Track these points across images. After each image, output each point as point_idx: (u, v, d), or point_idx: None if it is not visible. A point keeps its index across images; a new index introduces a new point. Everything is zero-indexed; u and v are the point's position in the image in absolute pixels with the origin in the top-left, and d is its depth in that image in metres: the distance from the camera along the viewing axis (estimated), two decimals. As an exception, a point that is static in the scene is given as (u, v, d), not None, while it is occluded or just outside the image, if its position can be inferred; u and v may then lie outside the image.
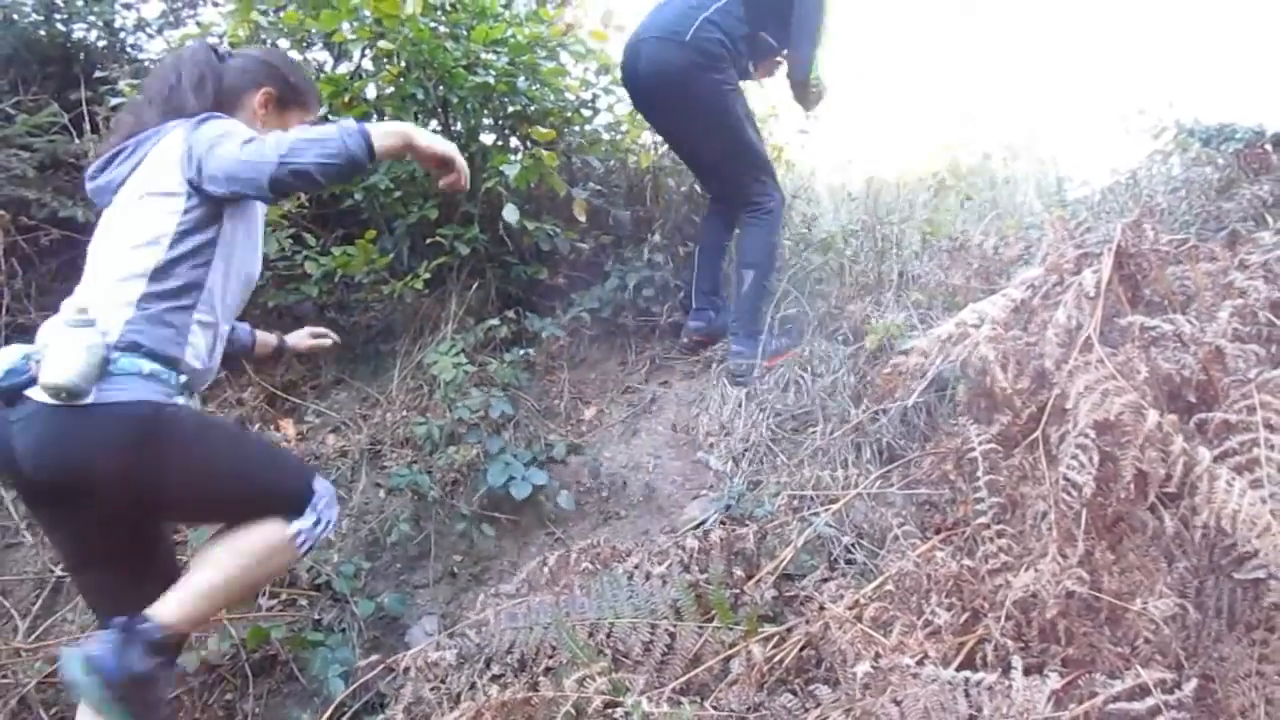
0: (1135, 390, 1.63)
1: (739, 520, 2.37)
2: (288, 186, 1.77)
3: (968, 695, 1.35)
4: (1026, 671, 1.47)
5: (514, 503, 2.90)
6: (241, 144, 1.74)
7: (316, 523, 1.91)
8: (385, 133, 1.83)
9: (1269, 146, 2.74)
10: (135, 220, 1.81)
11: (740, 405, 3.09)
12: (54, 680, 2.43)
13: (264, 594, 2.74)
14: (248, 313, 3.67)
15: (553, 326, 3.52)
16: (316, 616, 2.68)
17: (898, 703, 1.34)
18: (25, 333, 3.32)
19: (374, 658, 2.36)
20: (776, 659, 1.72)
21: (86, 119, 3.50)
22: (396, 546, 2.89)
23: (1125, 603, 1.62)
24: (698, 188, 3.84)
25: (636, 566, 1.97)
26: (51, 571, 2.84)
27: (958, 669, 1.50)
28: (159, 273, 1.77)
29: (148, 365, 1.73)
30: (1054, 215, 2.15)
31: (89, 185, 1.96)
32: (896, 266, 3.21)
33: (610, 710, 1.47)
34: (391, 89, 3.38)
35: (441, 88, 3.34)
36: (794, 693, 1.55)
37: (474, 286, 3.56)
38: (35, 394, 1.66)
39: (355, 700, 2.35)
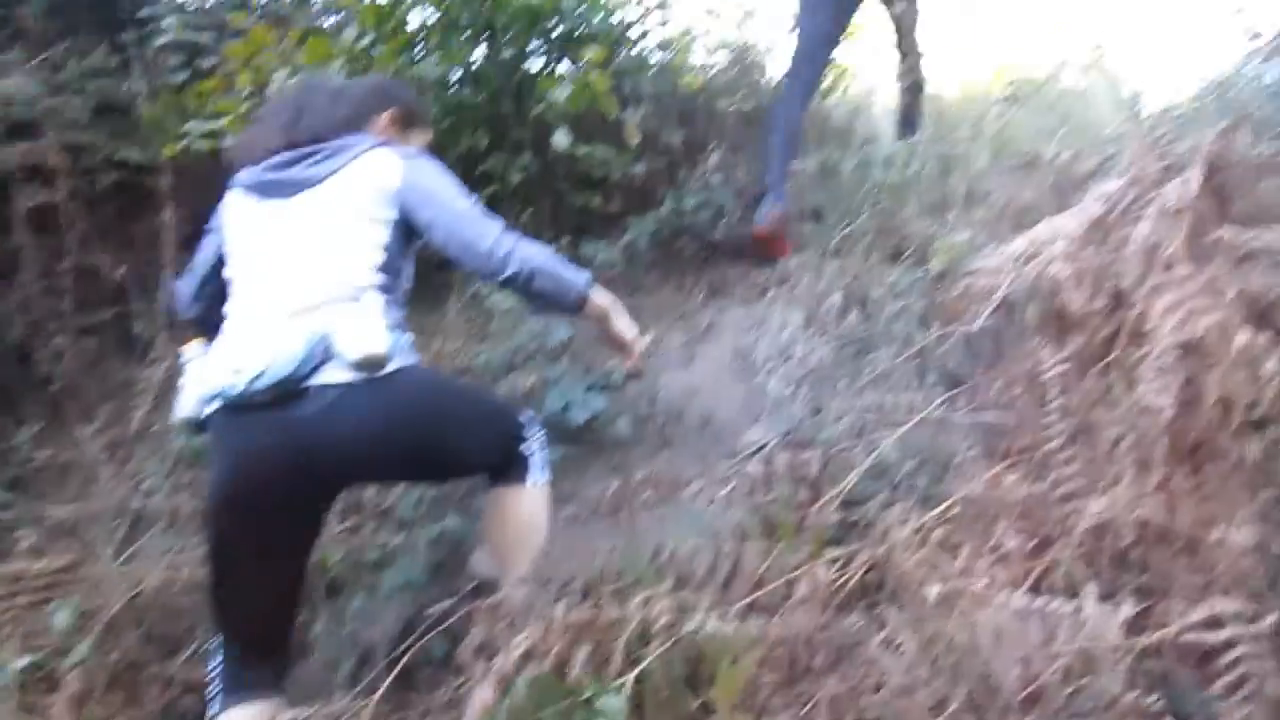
0: (1222, 310, 1.56)
1: (801, 445, 2.35)
2: (511, 283, 1.84)
3: (1042, 620, 1.32)
4: (1099, 599, 1.45)
5: (572, 429, 2.90)
6: (495, 230, 1.82)
7: (538, 450, 2.04)
8: (602, 299, 2.00)
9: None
10: (346, 224, 1.82)
11: (800, 330, 3.05)
12: (139, 601, 2.53)
13: (335, 519, 2.81)
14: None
15: (608, 253, 3.49)
16: (381, 541, 2.74)
17: (969, 625, 1.33)
18: (93, 276, 3.40)
19: (445, 604, 2.38)
20: (841, 582, 1.72)
21: (137, 60, 3.50)
22: (460, 472, 2.93)
23: (1204, 532, 1.57)
24: (744, 106, 3.75)
25: (700, 491, 1.97)
26: (131, 501, 2.95)
27: (1028, 595, 1.47)
28: (382, 269, 1.81)
29: (404, 337, 1.82)
30: (1138, 126, 2.04)
31: (263, 173, 1.92)
32: (964, 185, 3.10)
33: (676, 629, 1.48)
34: (437, 15, 3.32)
35: (487, 10, 3.27)
36: (861, 614, 1.54)
37: (527, 214, 3.53)
38: (328, 377, 1.66)
39: (421, 622, 2.41)
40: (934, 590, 1.40)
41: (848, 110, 3.95)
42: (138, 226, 3.49)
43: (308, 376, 1.65)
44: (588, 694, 1.44)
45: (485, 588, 2.47)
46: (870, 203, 3.28)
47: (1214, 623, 1.40)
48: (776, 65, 4.12)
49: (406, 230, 1.87)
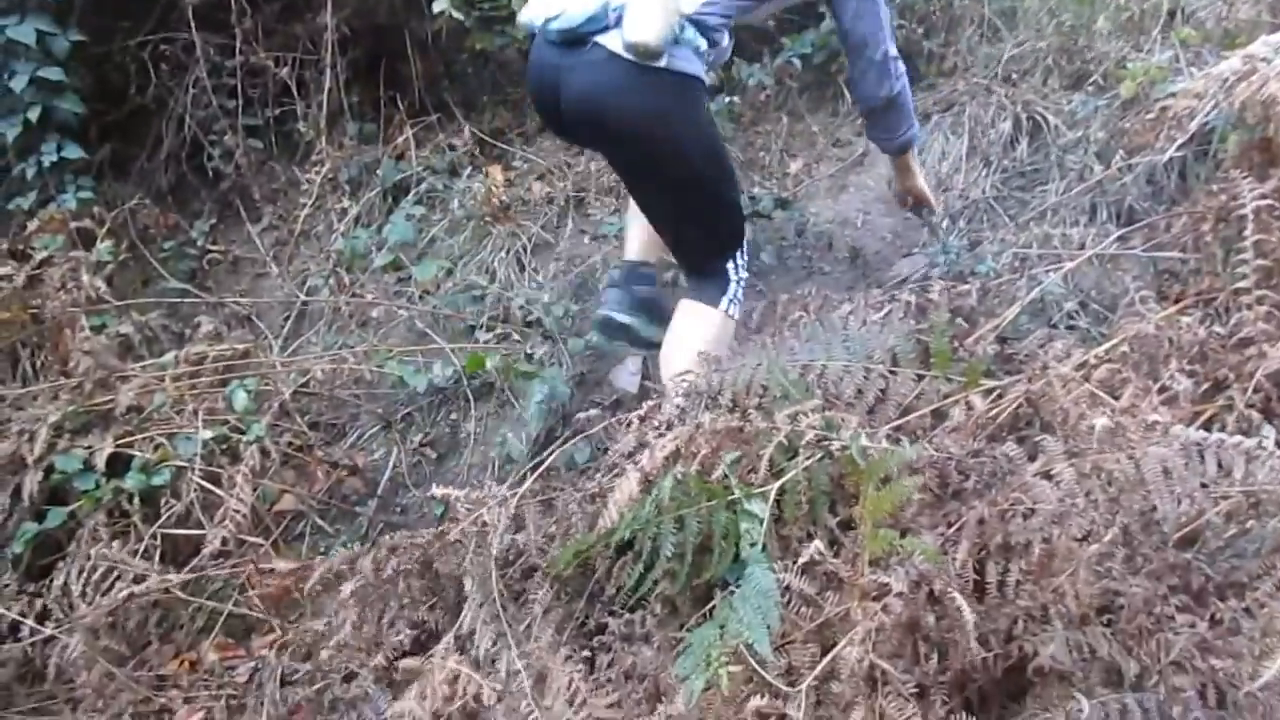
0: None
1: (958, 278, 2.27)
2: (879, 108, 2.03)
3: (1219, 458, 1.27)
4: (1276, 444, 1.38)
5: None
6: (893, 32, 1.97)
7: (739, 283, 2.13)
8: (914, 160, 2.27)
9: None
10: None
11: (962, 160, 2.89)
12: (306, 390, 2.73)
13: (481, 327, 2.93)
14: (454, 59, 3.73)
15: (760, 73, 3.34)
16: (529, 350, 2.84)
17: (1134, 459, 1.28)
18: (257, 74, 3.49)
19: (593, 412, 2.47)
20: (992, 414, 1.68)
21: None
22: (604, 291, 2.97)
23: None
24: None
25: (851, 313, 1.94)
26: (297, 297, 3.13)
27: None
28: None
29: (703, 42, 1.87)
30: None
31: None
32: (1166, 3, 2.79)
33: (823, 444, 1.49)
34: None
35: None
36: (1016, 443, 1.51)
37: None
38: (609, 42, 1.81)
39: (566, 429, 2.52)
40: (1099, 421, 1.36)
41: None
42: (300, 27, 3.54)
43: (596, 33, 1.82)
44: (733, 497, 1.49)
45: (626, 400, 2.56)
46: (1054, 17, 2.99)
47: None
48: None
49: None
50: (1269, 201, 1.69)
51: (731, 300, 2.11)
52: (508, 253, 3.13)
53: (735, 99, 3.32)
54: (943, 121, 3.07)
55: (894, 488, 1.32)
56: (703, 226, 2.10)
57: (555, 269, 3.10)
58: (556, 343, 2.82)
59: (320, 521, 2.49)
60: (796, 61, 3.33)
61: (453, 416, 2.76)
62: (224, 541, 2.13)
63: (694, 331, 2.10)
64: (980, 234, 2.61)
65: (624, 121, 1.89)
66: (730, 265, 2.10)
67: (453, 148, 3.60)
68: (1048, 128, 2.77)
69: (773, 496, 1.49)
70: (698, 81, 1.89)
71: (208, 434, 2.40)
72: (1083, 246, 2.24)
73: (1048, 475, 1.37)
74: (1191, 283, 2.07)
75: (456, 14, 3.00)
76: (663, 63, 1.80)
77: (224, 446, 2.43)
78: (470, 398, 2.75)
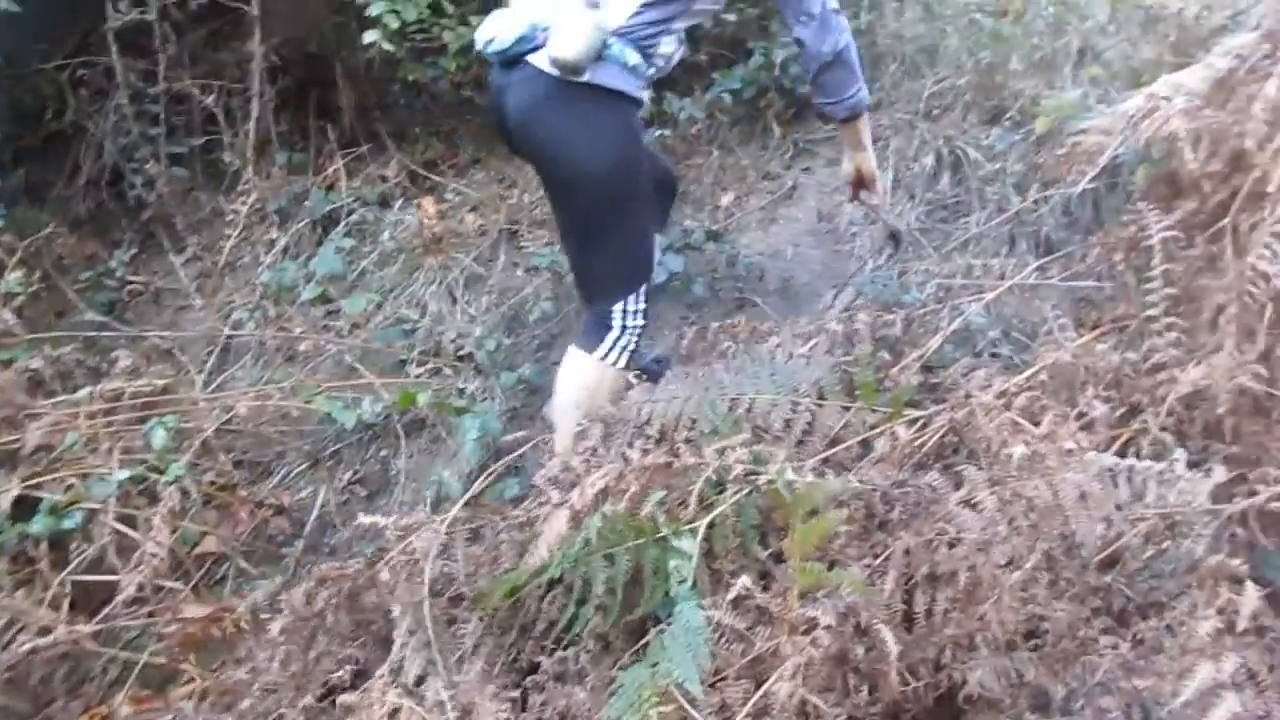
0: (1355, 172, 1.46)
1: (884, 308, 2.31)
2: (826, 64, 1.91)
3: (1130, 482, 1.30)
4: (1187, 466, 1.42)
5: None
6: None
7: (626, 331, 2.08)
8: (866, 130, 2.13)
9: None
10: None
11: (888, 193, 2.95)
12: (230, 427, 2.66)
13: (411, 362, 2.89)
14: (386, 89, 3.71)
15: (691, 107, 3.39)
16: (461, 385, 2.81)
17: (1052, 485, 1.31)
18: (181, 101, 3.42)
19: (519, 434, 2.46)
20: (918, 443, 1.71)
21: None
22: (537, 324, 2.96)
23: (1306, 403, 1.52)
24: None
25: (778, 345, 1.95)
26: (221, 331, 3.06)
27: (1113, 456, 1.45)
28: None
29: (633, 57, 1.88)
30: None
31: None
32: (1077, 41, 2.90)
33: (750, 479, 1.50)
34: None
35: None
36: (940, 472, 1.54)
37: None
38: (537, 60, 1.87)
39: (497, 462, 2.49)
40: (1018, 450, 1.39)
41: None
42: (228, 54, 3.49)
43: (528, 52, 1.88)
44: (661, 534, 1.48)
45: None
46: (973, 55, 3.09)
47: (1308, 494, 1.37)
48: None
49: None
50: (1175, 232, 1.75)
51: (614, 349, 2.07)
52: (439, 285, 3.11)
53: (667, 132, 3.36)
54: (869, 155, 3.14)
55: (820, 521, 1.32)
56: (601, 254, 2.07)
57: (488, 302, 3.08)
58: (489, 377, 2.80)
59: (244, 564, 2.40)
60: (726, 96, 3.39)
61: (383, 453, 2.72)
62: (139, 588, 2.04)
63: (569, 380, 2.12)
64: (906, 264, 2.66)
65: (543, 135, 1.94)
66: (618, 309, 2.06)
67: (384, 179, 3.57)
68: (968, 161, 2.85)
69: (702, 532, 1.49)
70: (624, 97, 1.90)
71: (124, 474, 2.31)
72: (1003, 276, 2.30)
73: (971, 504, 1.39)
74: (1108, 309, 2.13)
75: (388, 45, 2.98)
76: (585, 78, 1.84)
77: (141, 487, 2.34)
78: (401, 434, 2.71)
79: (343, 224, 3.37)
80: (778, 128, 3.47)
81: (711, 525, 1.50)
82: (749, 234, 3.16)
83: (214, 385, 2.92)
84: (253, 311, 3.09)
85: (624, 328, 2.07)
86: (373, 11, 2.90)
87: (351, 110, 3.62)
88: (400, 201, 3.44)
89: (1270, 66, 1.72)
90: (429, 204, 3.45)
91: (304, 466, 2.70)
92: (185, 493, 2.34)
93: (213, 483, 2.52)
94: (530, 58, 1.88)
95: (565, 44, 1.80)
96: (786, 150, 3.43)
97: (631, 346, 2.10)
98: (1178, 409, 1.61)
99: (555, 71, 1.84)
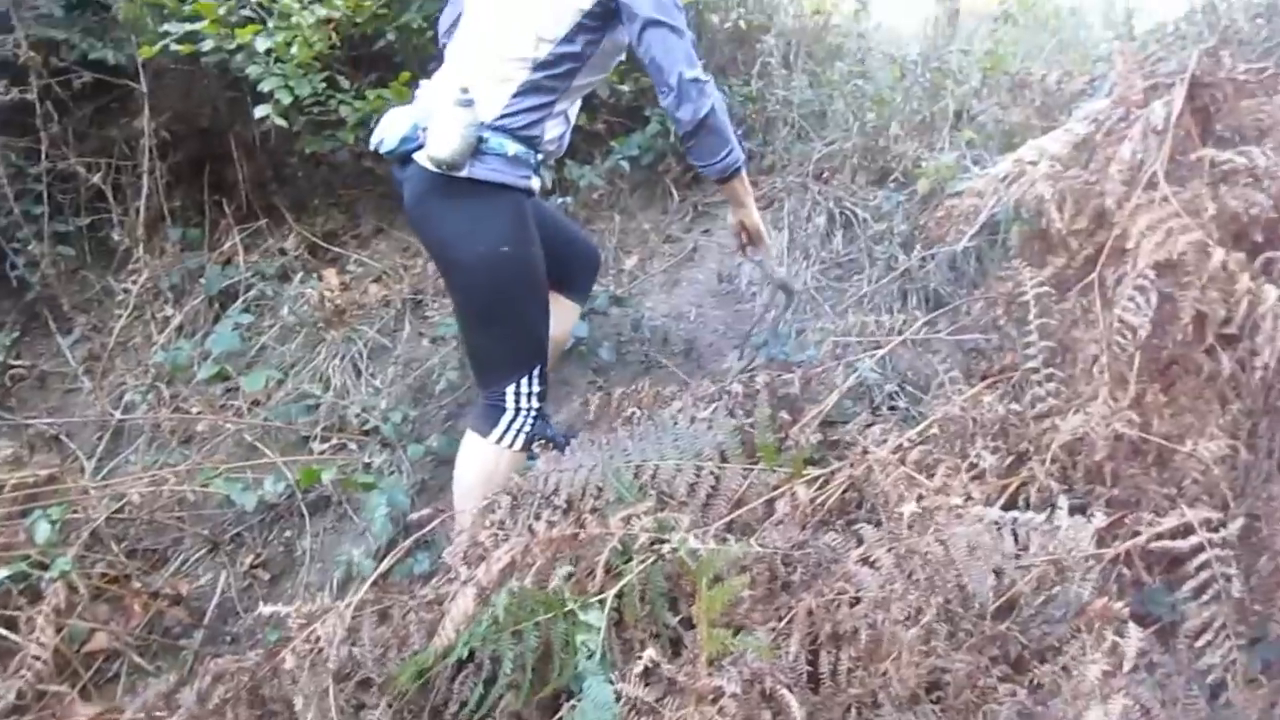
0: (1200, 228, 1.57)
1: (783, 366, 2.36)
2: (689, 132, 1.95)
3: (1014, 533, 1.36)
4: (1070, 512, 1.48)
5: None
6: (689, 57, 1.91)
7: (522, 414, 2.11)
8: (744, 189, 2.19)
9: (1365, -35, 2.53)
10: (535, 8, 1.92)
11: (784, 253, 3.04)
12: (122, 515, 2.55)
13: (315, 438, 2.83)
14: (284, 161, 3.67)
15: (592, 175, 3.45)
16: (367, 460, 2.76)
17: (943, 540, 1.36)
18: (67, 179, 3.32)
19: (426, 511, 2.42)
20: (820, 501, 1.74)
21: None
22: (444, 394, 2.93)
23: (1175, 445, 1.60)
24: (743, 23, 3.65)
25: (681, 410, 1.98)
26: (112, 415, 2.94)
27: (1002, 510, 1.50)
28: (541, 65, 1.93)
29: (513, 148, 1.94)
30: (1124, 45, 2.01)
31: None
32: (953, 105, 3.06)
33: (656, 547, 1.51)
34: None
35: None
36: (837, 532, 1.57)
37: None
38: (420, 158, 1.92)
39: (406, 538, 2.44)
40: (909, 507, 1.43)
41: (842, 23, 3.86)
42: (116, 131, 3.40)
43: (413, 151, 1.94)
44: (569, 607, 1.47)
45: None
46: (858, 121, 3.23)
47: (1182, 531, 1.44)
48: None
49: (605, 25, 1.95)
50: (1048, 288, 1.85)
51: (509, 431, 2.10)
52: (343, 359, 3.06)
53: (569, 199, 3.40)
54: (765, 217, 3.22)
55: (724, 587, 1.34)
56: (491, 339, 2.10)
57: (393, 373, 3.05)
58: (396, 450, 2.76)
59: (138, 659, 2.29)
60: (625, 163, 3.45)
61: (287, 534, 2.64)
62: (20, 694, 1.92)
63: (464, 463, 2.16)
64: (804, 323, 2.74)
65: (431, 228, 2.01)
66: (511, 391, 2.08)
67: (283, 252, 3.52)
68: (858, 221, 2.96)
69: (610, 602, 1.49)
70: (507, 189, 1.94)
71: (3, 573, 2.18)
72: (899, 331, 2.38)
73: (869, 562, 1.42)
74: (995, 359, 2.22)
75: (281, 121, 2.96)
76: (465, 173, 1.89)
77: (23, 585, 2.21)
78: (305, 513, 2.64)
79: (240, 300, 3.30)
80: (676, 192, 3.56)
81: (620, 595, 1.50)
82: (653, 297, 3.21)
83: (104, 472, 2.79)
84: (146, 393, 2.98)
85: (518, 410, 2.10)
86: (265, 87, 2.87)
87: (248, 184, 3.56)
88: (301, 274, 3.38)
89: (1124, 130, 1.85)
90: (331, 276, 3.41)
91: (202, 552, 2.60)
92: (73, 587, 2.21)
93: (104, 575, 2.40)
94: (416, 156, 1.94)
95: (440, 143, 1.86)
96: (686, 213, 3.51)
97: (526, 428, 2.11)
98: (1061, 456, 1.68)
99: (435, 169, 1.89)
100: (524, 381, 2.09)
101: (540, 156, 2.04)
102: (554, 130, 2.04)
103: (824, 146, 3.28)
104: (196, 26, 2.89)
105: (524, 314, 2.07)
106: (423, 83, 2.10)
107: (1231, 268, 1.52)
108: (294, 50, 2.86)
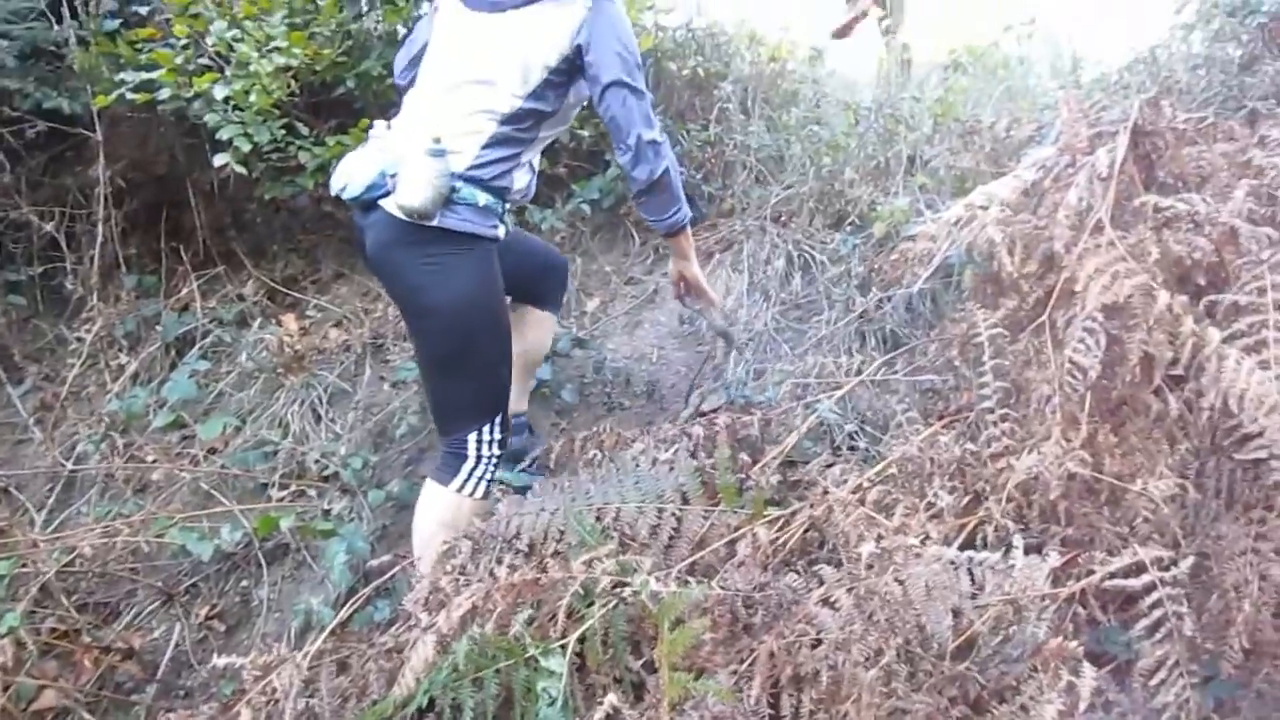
0: (1146, 272, 1.61)
1: (743, 408, 2.38)
2: (643, 190, 2.04)
3: (970, 573, 1.37)
4: (1026, 551, 1.50)
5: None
6: (648, 119, 1.98)
7: (482, 461, 2.11)
8: (688, 244, 2.26)
9: (1294, 20, 2.64)
10: (502, 63, 1.96)
11: (744, 295, 3.07)
12: (72, 568, 2.49)
13: (273, 485, 2.79)
14: (242, 207, 3.65)
15: (553, 218, 3.47)
16: (326, 507, 2.72)
17: (901, 581, 1.37)
18: (20, 228, 3.28)
19: (386, 558, 2.40)
20: (781, 542, 1.75)
21: (65, 4, 3.36)
22: (404, 438, 2.91)
23: (1126, 484, 1.63)
24: (701, 70, 3.72)
25: (642, 452, 1.98)
26: (64, 465, 2.88)
27: (959, 550, 1.52)
28: (509, 120, 1.98)
29: (483, 198, 1.98)
30: (1069, 94, 2.08)
31: None
32: (906, 150, 3.14)
33: (618, 590, 1.50)
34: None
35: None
36: (798, 573, 1.58)
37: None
38: (388, 205, 1.94)
39: (366, 585, 2.41)
40: (867, 548, 1.44)
41: (797, 69, 3.95)
42: (70, 179, 3.37)
43: (379, 198, 1.95)
44: (530, 653, 1.46)
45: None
46: (814, 166, 3.29)
47: (1135, 569, 1.46)
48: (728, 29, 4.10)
49: (570, 79, 2.01)
50: (1000, 329, 1.89)
51: (469, 479, 2.10)
52: (302, 404, 3.03)
53: (530, 242, 3.42)
54: (725, 259, 3.28)
55: (685, 630, 1.34)
56: (453, 386, 2.10)
57: (353, 418, 3.02)
58: (356, 496, 2.73)
59: (89, 717, 2.22)
60: (586, 207, 3.48)
61: (243, 584, 2.59)
62: (-37, 758, 1.87)
63: (424, 512, 2.15)
64: (764, 364, 2.76)
65: (395, 275, 2.03)
66: (472, 439, 2.08)
67: (241, 298, 3.49)
68: (815, 264, 3.01)
69: (572, 646, 1.48)
70: (474, 239, 1.97)
71: (-52, 630, 2.13)
72: (858, 372, 2.41)
73: (829, 603, 1.43)
74: (952, 399, 2.26)
75: (241, 169, 2.95)
76: (435, 222, 1.92)
77: (-32, 644, 2.15)
78: (263, 561, 2.60)
79: (197, 346, 3.26)
80: (637, 234, 3.59)
81: (582, 639, 1.50)
82: (615, 338, 3.22)
83: (55, 524, 2.73)
84: (99, 442, 2.92)
85: (479, 457, 2.10)
86: (224, 135, 2.86)
87: (206, 230, 3.54)
88: (259, 320, 3.36)
89: (1071, 176, 1.90)
90: (290, 321, 3.39)
91: (156, 604, 2.55)
92: (21, 644, 2.16)
93: (53, 630, 2.34)
94: (382, 202, 1.95)
95: (411, 193, 1.88)
96: (647, 255, 3.54)
97: (489, 476, 2.12)
98: (1016, 495, 1.70)
99: (404, 217, 1.91)
100: (485, 429, 2.09)
101: (508, 205, 2.08)
102: (521, 180, 2.09)
103: (782, 190, 3.34)
104: (153, 75, 2.88)
105: (487, 362, 2.08)
106: (378, 124, 2.09)
107: (1176, 310, 1.56)
108: (252, 98, 2.86)
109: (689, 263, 2.30)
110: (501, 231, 2.06)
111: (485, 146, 1.97)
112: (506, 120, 1.97)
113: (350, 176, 1.98)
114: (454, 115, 1.97)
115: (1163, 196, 1.75)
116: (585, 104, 2.15)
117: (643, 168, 1.98)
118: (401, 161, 1.91)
